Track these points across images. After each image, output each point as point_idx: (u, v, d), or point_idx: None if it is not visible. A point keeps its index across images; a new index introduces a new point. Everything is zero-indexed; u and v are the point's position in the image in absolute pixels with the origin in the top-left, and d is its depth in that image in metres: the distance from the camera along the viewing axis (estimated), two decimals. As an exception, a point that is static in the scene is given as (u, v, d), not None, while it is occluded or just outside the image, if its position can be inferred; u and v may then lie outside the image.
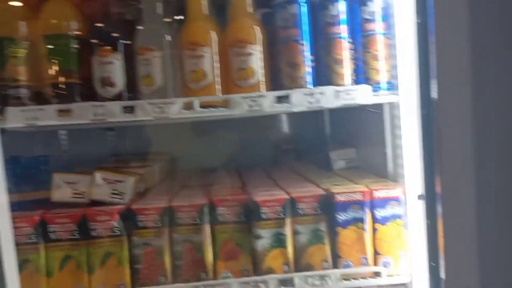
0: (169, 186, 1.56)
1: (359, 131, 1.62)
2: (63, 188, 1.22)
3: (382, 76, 1.23)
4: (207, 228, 1.22)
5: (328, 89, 1.18)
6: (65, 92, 1.18)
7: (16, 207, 1.25)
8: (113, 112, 1.15)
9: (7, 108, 1.12)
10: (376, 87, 1.23)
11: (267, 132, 2.03)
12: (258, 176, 1.64)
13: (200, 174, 1.79)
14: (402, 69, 1.19)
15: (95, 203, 1.24)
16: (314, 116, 2.05)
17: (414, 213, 1.21)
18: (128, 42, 1.21)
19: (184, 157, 1.96)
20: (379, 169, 1.43)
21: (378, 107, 1.33)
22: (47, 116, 1.13)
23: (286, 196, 1.23)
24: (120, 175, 1.25)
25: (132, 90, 1.22)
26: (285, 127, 2.08)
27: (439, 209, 1.09)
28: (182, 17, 1.46)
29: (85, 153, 1.92)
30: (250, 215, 1.22)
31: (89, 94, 1.20)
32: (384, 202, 1.23)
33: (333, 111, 1.89)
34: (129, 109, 1.16)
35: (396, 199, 1.23)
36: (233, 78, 1.21)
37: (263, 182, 1.50)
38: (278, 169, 1.78)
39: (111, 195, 1.24)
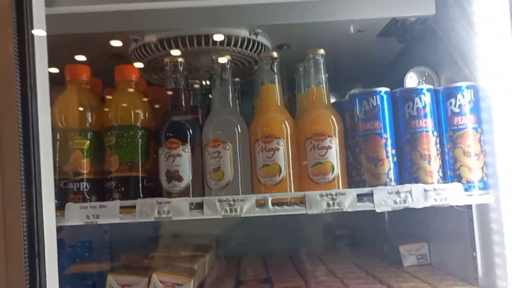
0: (222, 282, 1.42)
1: (430, 224, 1.48)
2: (118, 292, 1.10)
3: (474, 174, 1.11)
4: None
5: (416, 188, 1.06)
6: (128, 186, 1.08)
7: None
8: (180, 210, 1.04)
9: (68, 205, 1.02)
10: (468, 186, 1.10)
11: (319, 215, 1.90)
12: (317, 269, 1.50)
13: (251, 263, 1.65)
14: (502, 167, 1.07)
15: (150, 308, 1.11)
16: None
17: None
18: (196, 131, 1.13)
19: (232, 242, 1.83)
20: (456, 269, 1.29)
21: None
22: (109, 213, 1.03)
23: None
24: (180, 277, 1.13)
25: (199, 184, 1.12)
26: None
27: None
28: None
29: (129, 233, 1.81)
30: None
31: (153, 188, 1.11)
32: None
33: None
34: (196, 206, 1.06)
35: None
36: (309, 172, 1.10)
37: (327, 279, 1.35)
38: (336, 259, 1.63)
39: (169, 300, 1.11)
